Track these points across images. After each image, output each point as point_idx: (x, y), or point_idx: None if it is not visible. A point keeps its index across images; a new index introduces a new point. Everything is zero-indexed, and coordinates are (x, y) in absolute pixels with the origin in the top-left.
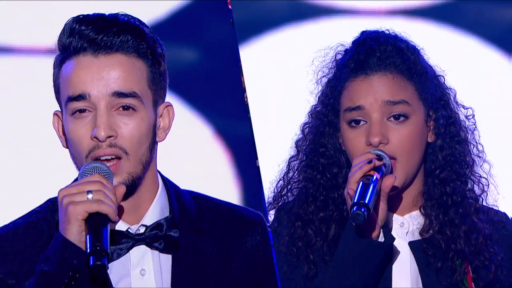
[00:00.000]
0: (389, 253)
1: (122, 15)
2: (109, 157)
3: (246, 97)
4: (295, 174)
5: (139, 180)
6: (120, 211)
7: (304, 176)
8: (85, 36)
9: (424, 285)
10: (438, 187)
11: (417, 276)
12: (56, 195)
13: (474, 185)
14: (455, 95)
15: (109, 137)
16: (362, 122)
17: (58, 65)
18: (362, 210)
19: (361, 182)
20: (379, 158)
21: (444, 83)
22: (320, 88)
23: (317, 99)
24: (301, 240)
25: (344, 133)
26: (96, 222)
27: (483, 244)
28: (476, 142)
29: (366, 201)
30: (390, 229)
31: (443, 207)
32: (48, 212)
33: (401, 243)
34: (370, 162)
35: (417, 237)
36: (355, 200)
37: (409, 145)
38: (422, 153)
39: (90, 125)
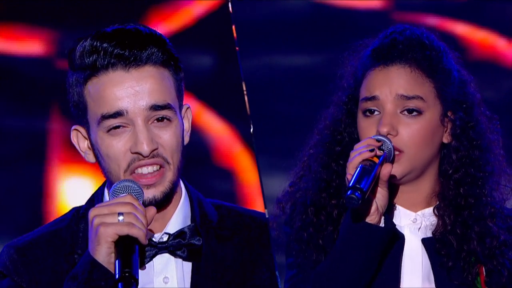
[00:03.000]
0: (388, 238)
1: (140, 25)
2: (150, 170)
3: (246, 96)
4: (313, 161)
5: (175, 188)
6: (151, 231)
7: (320, 163)
8: (111, 52)
9: (437, 284)
10: (452, 188)
11: (428, 272)
12: (81, 204)
13: (493, 191)
14: (480, 102)
15: (152, 150)
16: (376, 112)
17: (81, 83)
18: (356, 194)
19: (359, 167)
20: (380, 147)
21: (470, 88)
22: (344, 79)
23: (341, 88)
24: (312, 226)
25: (358, 122)
26: (125, 246)
27: (497, 249)
28: (498, 151)
29: (361, 185)
30: (403, 225)
31: (456, 208)
32: (72, 221)
33: (413, 239)
34: (372, 150)
35: (430, 232)
36: (350, 184)
37: (418, 140)
38: (434, 151)
39: (128, 140)
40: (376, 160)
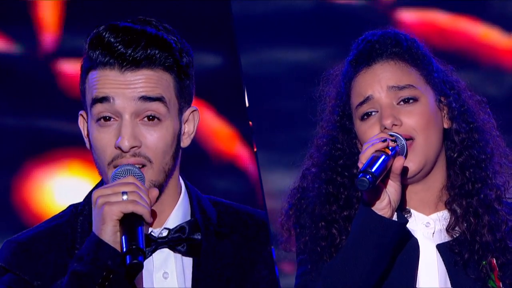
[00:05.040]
0: (401, 233)
1: (151, 25)
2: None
3: (246, 97)
4: (311, 183)
5: (161, 187)
6: (152, 214)
7: (324, 179)
8: (113, 50)
9: (453, 285)
10: (459, 174)
11: (445, 277)
12: (79, 201)
13: (496, 174)
14: (465, 87)
15: (133, 147)
16: (373, 113)
17: (85, 71)
18: (368, 177)
19: (371, 156)
20: (393, 140)
21: (453, 76)
22: (329, 101)
23: (327, 111)
24: (325, 240)
25: (358, 129)
26: (131, 222)
27: (508, 234)
28: (494, 132)
29: (373, 170)
30: (416, 230)
31: (465, 196)
32: (72, 216)
33: (428, 244)
34: (384, 141)
35: (444, 236)
36: (362, 169)
37: (424, 125)
38: (439, 136)
39: (115, 133)
40: (388, 151)
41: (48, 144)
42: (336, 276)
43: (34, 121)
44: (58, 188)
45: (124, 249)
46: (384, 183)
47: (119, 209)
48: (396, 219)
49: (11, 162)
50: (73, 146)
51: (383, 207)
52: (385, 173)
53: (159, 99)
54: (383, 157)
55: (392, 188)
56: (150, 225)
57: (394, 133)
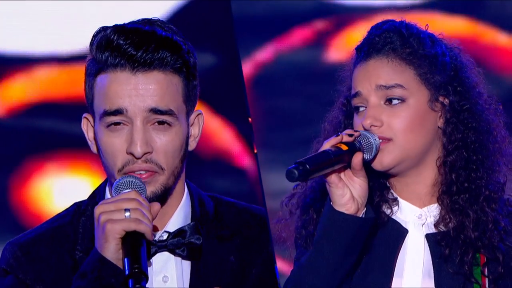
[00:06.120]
0: (366, 228)
1: (158, 26)
2: (142, 172)
3: (246, 96)
4: None
5: (170, 190)
6: (154, 228)
7: None
8: (123, 52)
9: (436, 276)
10: (447, 173)
11: (430, 268)
12: (82, 199)
13: (491, 174)
14: (477, 85)
15: (145, 153)
16: (362, 108)
17: (93, 74)
18: (298, 169)
19: (322, 151)
20: (350, 134)
21: (465, 72)
22: (344, 82)
23: (341, 91)
24: (313, 224)
25: (354, 118)
26: (133, 242)
27: (496, 235)
28: (499, 132)
29: (308, 163)
30: (408, 221)
31: (452, 194)
32: (74, 216)
33: (417, 235)
34: (337, 135)
35: (432, 229)
36: (298, 160)
37: (405, 127)
38: (428, 138)
39: (126, 139)
40: (343, 147)
41: (47, 144)
42: (304, 270)
43: (34, 121)
44: (57, 188)
45: (127, 272)
46: (347, 178)
47: (122, 228)
48: (363, 215)
49: (10, 162)
50: (72, 146)
51: (345, 202)
52: (329, 169)
53: (168, 112)
54: (330, 152)
55: (356, 184)
56: (151, 241)
57: (364, 132)
